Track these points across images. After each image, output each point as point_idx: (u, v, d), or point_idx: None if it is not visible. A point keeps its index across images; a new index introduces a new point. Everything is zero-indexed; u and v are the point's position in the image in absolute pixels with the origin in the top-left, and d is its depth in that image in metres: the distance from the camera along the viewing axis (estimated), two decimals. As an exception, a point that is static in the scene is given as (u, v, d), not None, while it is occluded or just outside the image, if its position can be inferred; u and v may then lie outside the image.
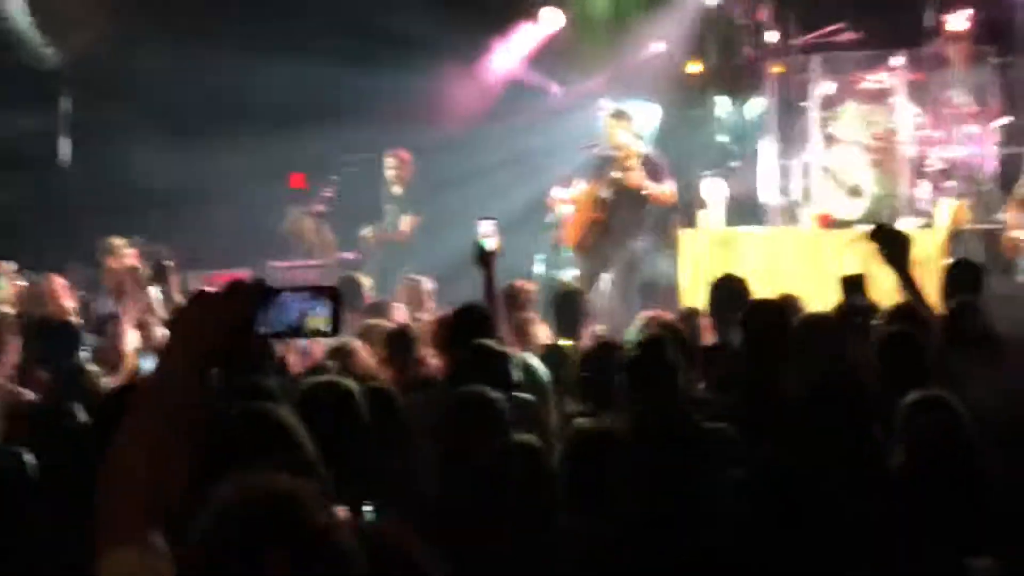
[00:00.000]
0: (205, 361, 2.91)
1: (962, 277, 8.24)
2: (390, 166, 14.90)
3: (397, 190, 14.87)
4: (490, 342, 6.39)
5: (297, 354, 7.79)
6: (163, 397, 2.89)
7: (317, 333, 3.15)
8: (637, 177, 12.58)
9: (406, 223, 14.59)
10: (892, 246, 7.21)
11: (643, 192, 12.60)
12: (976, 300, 7.30)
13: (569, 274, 13.60)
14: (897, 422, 5.11)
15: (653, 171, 12.71)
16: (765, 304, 7.50)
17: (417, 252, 14.22)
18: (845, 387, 5.29)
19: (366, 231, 14.91)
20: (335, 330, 3.14)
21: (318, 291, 3.11)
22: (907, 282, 7.10)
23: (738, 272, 12.16)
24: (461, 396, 5.39)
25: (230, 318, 2.94)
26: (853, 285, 7.79)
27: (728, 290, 8.38)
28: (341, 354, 7.21)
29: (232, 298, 2.97)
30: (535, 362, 7.00)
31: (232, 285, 2.96)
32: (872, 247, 7.26)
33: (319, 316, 3.07)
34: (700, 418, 5.27)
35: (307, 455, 3.96)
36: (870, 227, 7.48)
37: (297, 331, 3.10)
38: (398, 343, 7.44)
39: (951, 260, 8.81)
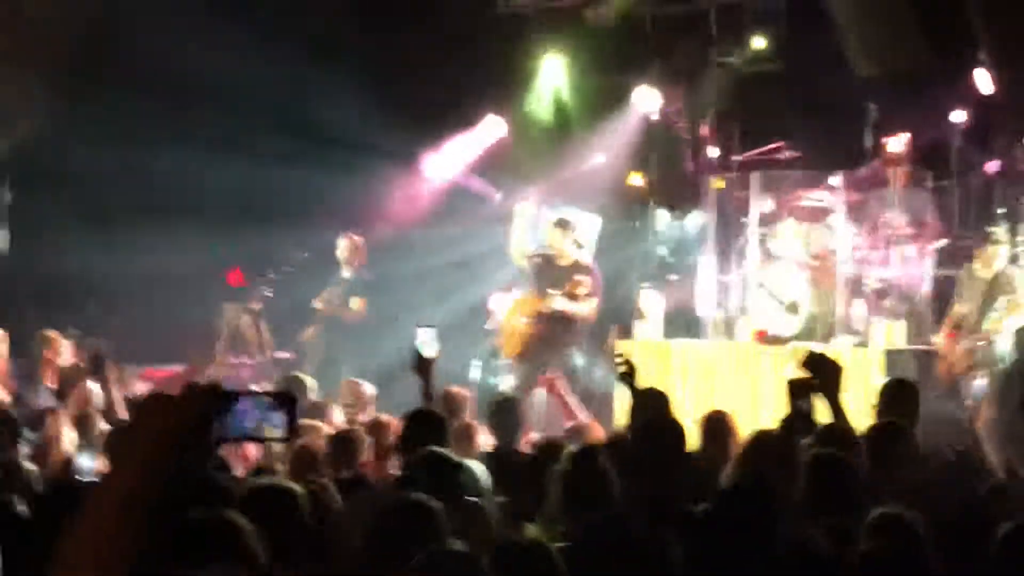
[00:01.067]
0: (159, 464, 2.90)
1: (897, 397, 8.31)
2: (342, 247, 14.95)
3: (346, 273, 14.91)
4: (441, 449, 6.37)
5: (235, 454, 7.74)
6: (115, 498, 2.87)
7: (272, 439, 3.15)
8: (559, 303, 12.64)
9: (357, 303, 14.59)
10: (823, 373, 7.28)
11: (568, 311, 12.65)
12: (906, 422, 7.37)
13: (506, 381, 13.61)
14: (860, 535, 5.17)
15: (581, 280, 12.75)
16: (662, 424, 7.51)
17: (363, 337, 14.25)
18: (753, 504, 5.33)
19: (317, 302, 14.88)
20: (290, 436, 3.14)
21: (275, 397, 3.11)
22: (836, 410, 7.17)
23: (671, 383, 12.39)
24: (400, 502, 5.37)
25: (186, 422, 2.93)
26: (800, 389, 7.81)
27: (649, 406, 8.38)
28: (285, 455, 7.19)
29: (189, 402, 2.96)
30: (479, 468, 7.00)
31: (189, 389, 2.95)
32: (804, 373, 7.34)
33: (275, 423, 3.08)
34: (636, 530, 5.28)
35: (258, 562, 3.94)
36: (803, 353, 7.53)
37: (253, 437, 3.10)
38: (341, 446, 7.42)
39: (887, 380, 8.87)
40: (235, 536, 4.17)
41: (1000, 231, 12.34)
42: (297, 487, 5.32)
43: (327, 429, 8.25)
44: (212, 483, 5.14)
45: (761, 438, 6.80)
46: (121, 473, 2.92)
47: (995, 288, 12.02)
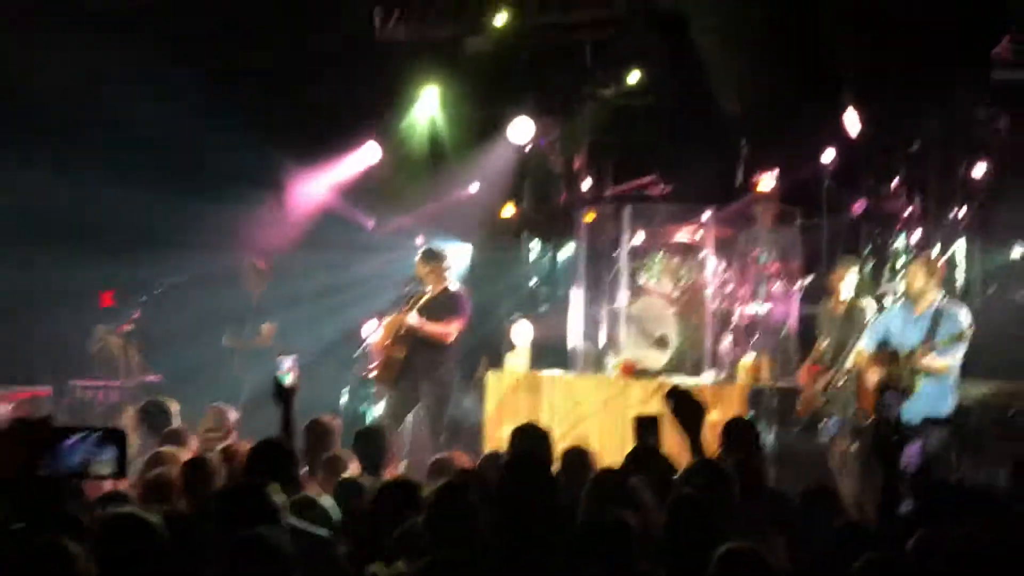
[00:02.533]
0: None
1: (738, 434, 8.41)
2: (247, 271, 14.89)
3: (255, 298, 14.85)
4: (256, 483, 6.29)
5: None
6: None
7: (101, 476, 3.12)
8: (413, 317, 12.63)
9: (266, 329, 14.50)
10: (684, 411, 7.35)
11: (420, 332, 12.64)
12: (754, 457, 7.47)
13: (378, 408, 13.56)
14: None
15: (450, 308, 12.75)
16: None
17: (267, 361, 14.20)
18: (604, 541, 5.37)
19: (225, 339, 14.75)
20: (119, 473, 3.12)
21: (104, 433, 3.08)
22: (696, 445, 7.23)
23: (540, 415, 12.40)
24: (244, 537, 5.30)
25: (13, 457, 2.89)
26: (647, 427, 7.87)
27: (529, 440, 8.36)
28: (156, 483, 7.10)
29: (15, 438, 2.92)
30: (325, 501, 6.95)
31: (17, 423, 2.92)
32: (666, 409, 7.39)
33: (104, 460, 3.05)
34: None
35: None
36: (667, 388, 7.60)
37: (80, 475, 3.07)
38: (194, 472, 7.32)
39: (731, 418, 8.95)
40: (66, 561, 4.10)
41: (847, 263, 12.45)
42: (152, 516, 5.23)
43: (185, 456, 8.13)
44: (60, 513, 5.05)
45: (603, 476, 6.82)
46: None
47: (847, 321, 12.14)
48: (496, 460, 8.46)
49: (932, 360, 10.98)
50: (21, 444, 2.81)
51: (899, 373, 11.00)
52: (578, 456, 8.21)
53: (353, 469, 8.30)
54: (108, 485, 7.71)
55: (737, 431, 8.55)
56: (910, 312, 11.40)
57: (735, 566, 5.22)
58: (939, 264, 12.05)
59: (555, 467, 8.35)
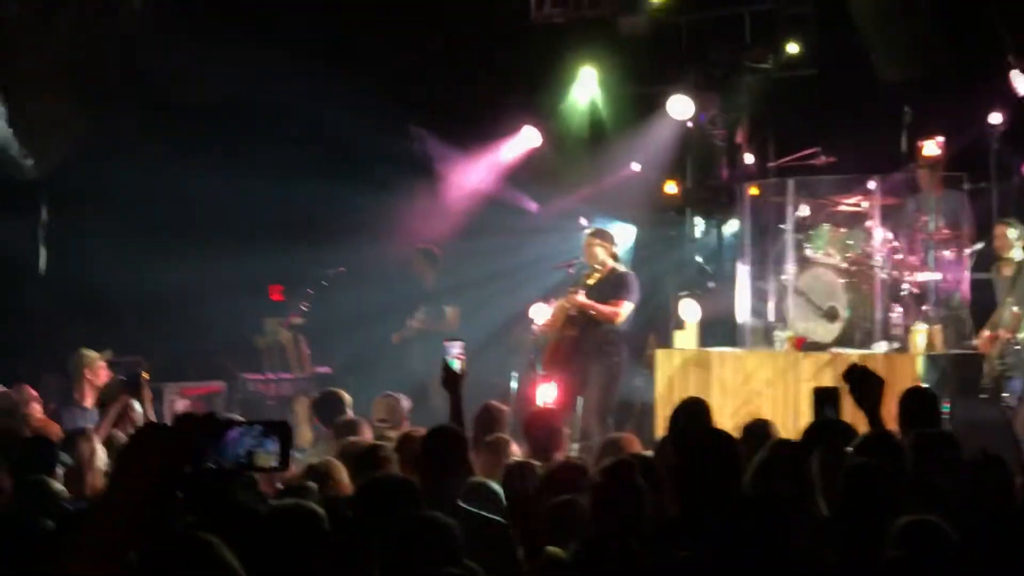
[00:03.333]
0: (152, 491, 2.92)
1: (918, 406, 8.26)
2: (416, 259, 15.10)
3: (427, 283, 15.02)
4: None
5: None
6: (107, 525, 2.89)
7: (266, 469, 3.17)
8: (582, 297, 12.63)
9: (451, 313, 14.68)
10: (864, 387, 7.24)
11: (590, 312, 12.64)
12: (937, 430, 7.32)
13: (548, 392, 13.58)
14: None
15: (619, 288, 12.75)
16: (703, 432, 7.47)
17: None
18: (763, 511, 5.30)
19: (413, 322, 14.96)
20: (283, 465, 3.16)
21: (268, 426, 3.12)
22: (875, 420, 7.13)
23: (711, 392, 12.35)
24: (415, 520, 5.35)
25: (177, 450, 2.94)
26: (826, 398, 7.75)
27: (688, 414, 8.33)
28: (318, 474, 7.19)
29: (180, 431, 2.98)
30: (494, 485, 6.98)
31: (181, 418, 2.98)
32: (845, 387, 7.30)
33: (268, 452, 3.09)
34: (665, 547, 5.25)
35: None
36: (845, 366, 7.49)
37: (245, 466, 3.12)
38: (367, 463, 7.39)
39: (908, 389, 8.80)
40: (209, 553, 4.17)
41: (1007, 225, 12.22)
42: (317, 507, 5.31)
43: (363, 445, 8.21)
44: (234, 505, 5.14)
45: (777, 448, 6.74)
46: (116, 497, 2.95)
47: (1020, 282, 11.94)
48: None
49: None
50: (186, 438, 2.87)
51: None
52: (762, 429, 8.15)
53: (516, 452, 8.33)
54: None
55: (916, 401, 8.43)
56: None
57: (917, 538, 5.13)
58: None
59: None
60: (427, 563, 4.99)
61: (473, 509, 6.49)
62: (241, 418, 3.11)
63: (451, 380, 7.85)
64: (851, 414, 7.67)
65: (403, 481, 5.73)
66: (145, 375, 10.54)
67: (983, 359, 12.17)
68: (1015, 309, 11.46)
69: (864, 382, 7.28)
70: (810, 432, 7.27)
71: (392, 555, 5.20)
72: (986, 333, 12.27)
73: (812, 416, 7.59)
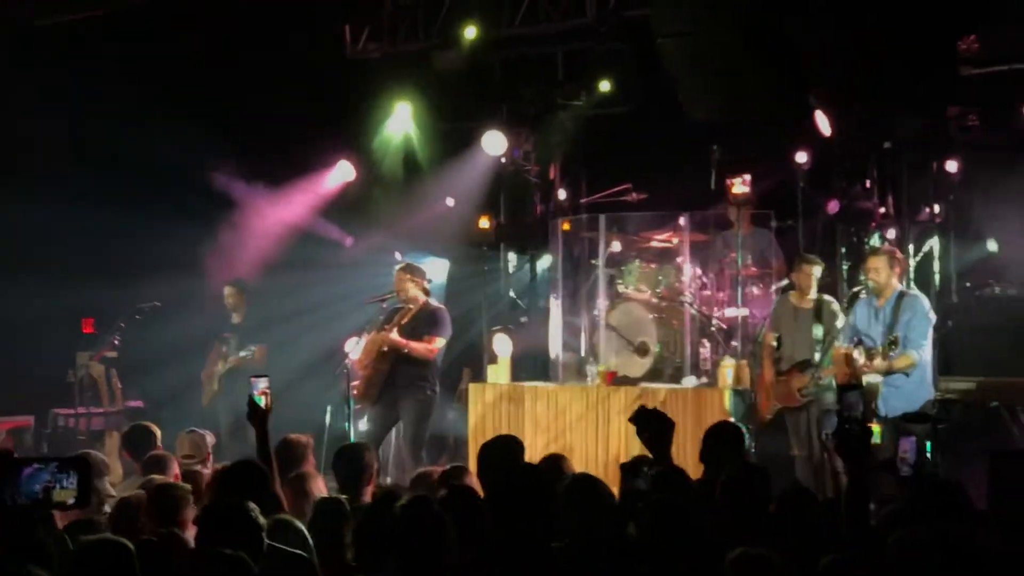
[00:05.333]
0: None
1: (722, 441, 8.41)
2: (228, 295, 14.93)
3: (236, 318, 14.89)
4: (238, 501, 6.31)
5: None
6: None
7: (64, 506, 3.15)
8: (395, 335, 12.65)
9: (259, 351, 14.53)
10: (651, 429, 7.35)
11: (404, 350, 12.66)
12: (741, 464, 7.45)
13: (361, 425, 13.55)
14: None
15: (432, 324, 12.78)
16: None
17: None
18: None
19: (219, 364, 14.78)
20: (83, 502, 3.14)
21: (65, 462, 3.11)
22: (663, 461, 7.24)
23: (523, 427, 12.44)
24: (211, 557, 5.33)
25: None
26: (631, 470, 7.73)
27: (498, 451, 8.36)
28: (124, 509, 7.10)
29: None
30: (297, 523, 6.96)
31: (-26, 456, 2.96)
32: (634, 428, 7.40)
33: (66, 488, 3.07)
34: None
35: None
36: (634, 411, 7.59)
37: (44, 503, 3.09)
38: (161, 500, 7.29)
39: (712, 425, 8.95)
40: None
41: (811, 261, 12.49)
42: (127, 542, 5.24)
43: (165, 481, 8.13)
44: (30, 541, 5.06)
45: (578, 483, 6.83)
46: None
47: (816, 318, 12.20)
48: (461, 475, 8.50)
49: (892, 360, 11.15)
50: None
51: (856, 373, 11.12)
52: (554, 463, 8.24)
53: (321, 487, 8.31)
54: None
55: (720, 437, 8.56)
56: (873, 304, 11.58)
57: (750, 570, 5.23)
58: (899, 255, 12.12)
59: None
60: None
61: (278, 545, 6.47)
62: (38, 456, 3.08)
63: (257, 416, 7.82)
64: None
65: (116, 544, 5.53)
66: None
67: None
68: (837, 345, 11.72)
69: (651, 423, 7.40)
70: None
71: None
72: (765, 365, 12.45)
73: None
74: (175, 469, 9.15)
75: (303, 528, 6.88)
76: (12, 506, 3.04)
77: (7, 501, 2.98)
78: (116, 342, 15.38)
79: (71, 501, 3.06)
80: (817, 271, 12.33)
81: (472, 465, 9.49)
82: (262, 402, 7.84)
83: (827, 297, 12.48)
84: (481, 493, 7.24)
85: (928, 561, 5.30)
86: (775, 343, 12.38)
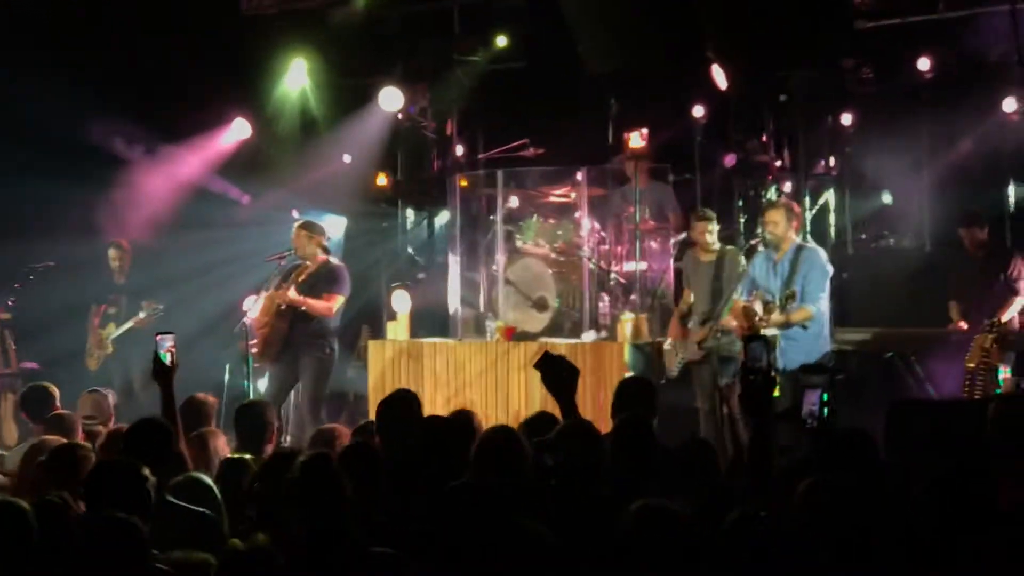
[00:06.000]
0: None
1: (632, 394, 8.44)
2: (113, 255, 14.78)
3: (120, 279, 14.73)
4: (126, 459, 6.27)
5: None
6: None
7: None
8: (293, 293, 12.59)
9: (146, 307, 14.39)
10: (556, 376, 7.34)
11: (302, 307, 12.60)
12: (644, 415, 7.48)
13: (261, 384, 13.49)
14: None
15: (330, 282, 12.73)
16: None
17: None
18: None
19: (110, 327, 14.61)
20: None
21: None
22: (569, 410, 7.24)
23: (423, 383, 12.44)
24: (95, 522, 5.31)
25: None
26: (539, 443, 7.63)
27: (398, 406, 8.35)
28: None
29: None
30: (206, 480, 6.92)
31: None
32: (538, 374, 7.39)
33: None
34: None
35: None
36: (539, 356, 7.57)
37: None
38: (60, 461, 7.23)
39: (624, 377, 9.00)
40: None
41: (706, 215, 12.50)
42: (23, 502, 5.20)
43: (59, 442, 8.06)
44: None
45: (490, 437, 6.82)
46: None
47: (719, 271, 12.22)
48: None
49: (790, 314, 11.23)
50: None
51: (754, 326, 11.18)
52: (465, 418, 8.24)
53: (222, 445, 8.28)
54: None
55: (631, 390, 8.59)
56: (771, 257, 11.64)
57: (650, 522, 5.23)
58: (796, 209, 12.19)
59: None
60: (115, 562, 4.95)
61: (180, 503, 6.43)
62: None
63: (162, 373, 7.77)
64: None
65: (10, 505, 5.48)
66: None
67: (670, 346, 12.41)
68: (735, 297, 11.75)
69: (556, 370, 7.38)
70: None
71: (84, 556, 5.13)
72: (674, 319, 12.49)
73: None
74: (79, 429, 9.07)
75: (211, 485, 6.84)
76: None
77: None
78: (10, 303, 15.17)
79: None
80: (710, 227, 12.32)
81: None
82: (167, 359, 7.79)
83: (730, 248, 12.47)
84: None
85: (836, 509, 5.33)
86: (691, 299, 12.38)
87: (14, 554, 4.84)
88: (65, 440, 8.19)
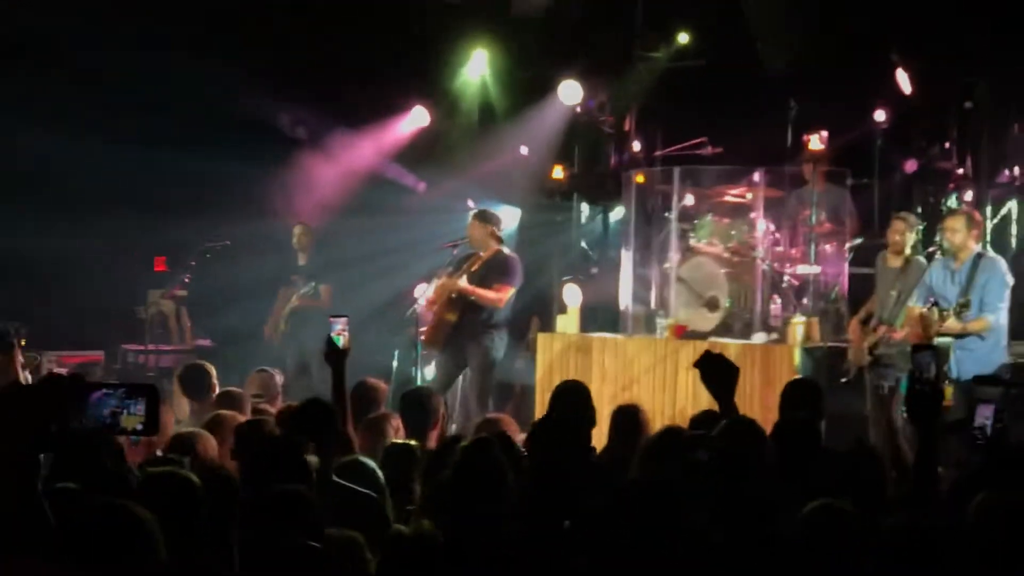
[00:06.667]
0: (16, 451, 2.88)
1: (799, 396, 8.35)
2: (298, 235, 15.02)
3: (302, 259, 15.01)
4: (288, 436, 6.33)
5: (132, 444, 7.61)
6: None
7: (132, 431, 3.14)
8: (464, 282, 12.63)
9: (324, 290, 14.63)
10: (716, 375, 7.27)
11: (472, 296, 12.65)
12: (809, 418, 7.38)
13: (428, 371, 13.59)
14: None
15: (502, 272, 12.75)
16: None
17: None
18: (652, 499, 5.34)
19: (294, 300, 14.84)
20: (150, 428, 3.12)
21: (134, 389, 3.10)
22: (727, 410, 7.17)
23: (591, 377, 12.41)
24: (265, 495, 5.37)
25: (41, 412, 2.91)
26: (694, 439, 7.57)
27: (571, 397, 8.35)
28: (184, 443, 7.13)
29: (44, 392, 2.94)
30: (370, 463, 6.97)
31: (47, 379, 2.95)
32: (699, 373, 7.32)
33: (134, 414, 3.06)
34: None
35: (159, 554, 3.93)
36: (700, 354, 7.50)
37: (111, 428, 3.09)
38: (248, 436, 7.34)
39: (792, 379, 8.90)
40: (136, 526, 4.15)
41: (906, 218, 12.32)
42: (193, 475, 5.26)
43: (239, 418, 8.18)
44: (106, 472, 5.10)
45: (667, 435, 6.80)
46: None
47: (905, 276, 12.05)
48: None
49: (967, 323, 11.03)
50: (51, 399, 2.83)
51: (929, 334, 11.00)
52: (630, 415, 8.21)
53: (395, 431, 8.33)
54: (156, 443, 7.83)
55: (799, 392, 8.51)
56: (950, 266, 11.45)
57: (827, 523, 5.18)
58: (978, 217, 11.97)
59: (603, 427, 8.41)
60: (281, 534, 5.00)
61: (344, 483, 6.50)
62: (107, 381, 3.08)
63: (334, 356, 7.82)
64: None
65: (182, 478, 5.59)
66: (21, 340, 10.39)
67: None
68: (911, 304, 11.60)
69: (716, 369, 7.31)
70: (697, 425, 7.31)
71: (248, 527, 5.19)
72: (855, 320, 12.34)
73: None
74: (248, 407, 9.20)
75: (376, 468, 6.88)
76: (79, 430, 3.04)
77: (74, 425, 2.97)
78: (186, 280, 15.44)
79: (138, 427, 3.06)
80: (904, 228, 12.14)
81: (539, 414, 9.52)
82: (340, 342, 7.84)
83: (918, 257, 12.29)
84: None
85: (1012, 527, 5.22)
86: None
87: (185, 527, 4.91)
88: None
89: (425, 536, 5.13)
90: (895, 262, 12.14)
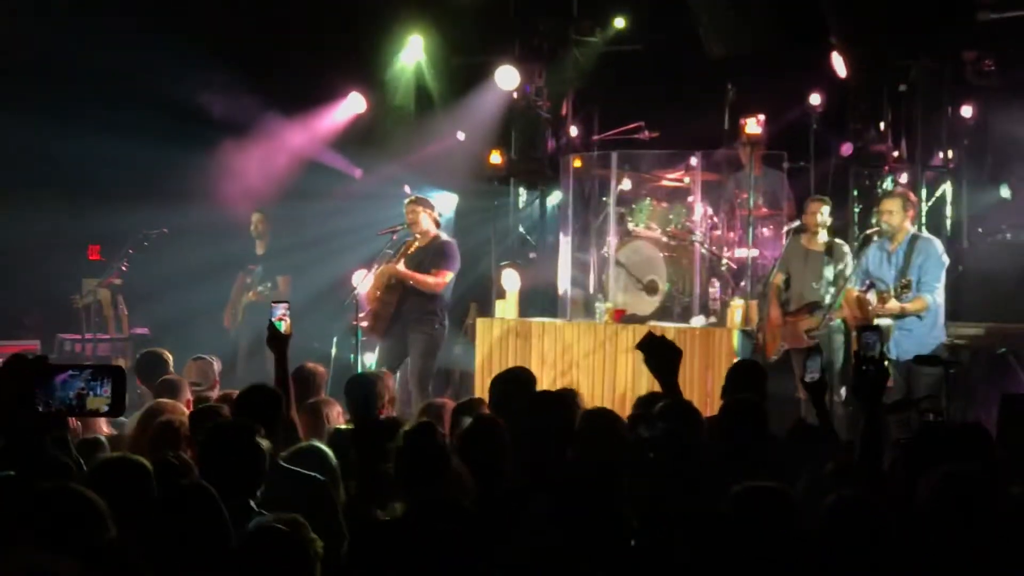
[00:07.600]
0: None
1: (744, 378, 8.40)
2: (256, 222, 14.93)
3: (260, 248, 14.96)
4: (240, 421, 6.31)
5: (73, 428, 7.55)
6: None
7: (97, 413, 3.12)
8: (403, 267, 12.64)
9: (283, 282, 14.57)
10: (659, 356, 7.30)
11: (410, 282, 12.65)
12: (759, 400, 7.43)
13: (368, 357, 13.57)
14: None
15: (440, 257, 12.76)
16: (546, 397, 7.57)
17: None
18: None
19: (249, 295, 14.75)
20: (116, 410, 3.11)
21: (100, 370, 3.08)
22: (670, 390, 7.21)
23: (530, 362, 12.42)
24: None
25: (5, 393, 2.89)
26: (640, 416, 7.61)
27: (511, 382, 8.35)
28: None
29: (9, 373, 2.92)
30: (322, 446, 6.98)
31: (10, 359, 2.93)
32: (641, 355, 7.36)
33: (100, 396, 3.05)
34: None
35: (110, 535, 3.90)
36: (642, 337, 7.53)
37: (76, 409, 3.07)
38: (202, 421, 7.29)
39: (737, 361, 8.95)
40: (87, 508, 4.13)
41: (821, 201, 12.46)
42: (145, 460, 5.23)
43: (181, 406, 8.15)
44: (59, 460, 5.06)
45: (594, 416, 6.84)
46: None
47: (828, 259, 12.18)
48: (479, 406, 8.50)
49: (906, 303, 11.15)
50: (15, 379, 2.81)
51: (868, 316, 11.12)
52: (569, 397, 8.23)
53: (336, 415, 8.33)
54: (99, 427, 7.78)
55: (743, 374, 8.56)
56: (886, 247, 11.56)
57: (758, 504, 5.21)
58: (913, 199, 12.10)
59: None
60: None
61: (289, 466, 6.49)
62: (73, 363, 3.05)
63: (277, 341, 7.82)
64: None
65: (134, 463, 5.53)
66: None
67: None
68: (850, 287, 11.69)
69: (659, 351, 7.35)
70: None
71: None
72: (772, 304, 12.42)
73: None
74: (187, 394, 9.17)
75: (328, 452, 6.88)
76: (45, 411, 3.01)
77: (40, 406, 2.95)
78: (123, 269, 15.33)
79: (104, 409, 3.04)
80: (823, 209, 12.30)
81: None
82: (282, 327, 7.84)
83: (838, 240, 12.48)
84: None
85: (960, 503, 5.26)
86: (783, 284, 12.39)
87: (136, 511, 4.88)
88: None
89: (398, 521, 5.12)
90: (815, 245, 12.27)
